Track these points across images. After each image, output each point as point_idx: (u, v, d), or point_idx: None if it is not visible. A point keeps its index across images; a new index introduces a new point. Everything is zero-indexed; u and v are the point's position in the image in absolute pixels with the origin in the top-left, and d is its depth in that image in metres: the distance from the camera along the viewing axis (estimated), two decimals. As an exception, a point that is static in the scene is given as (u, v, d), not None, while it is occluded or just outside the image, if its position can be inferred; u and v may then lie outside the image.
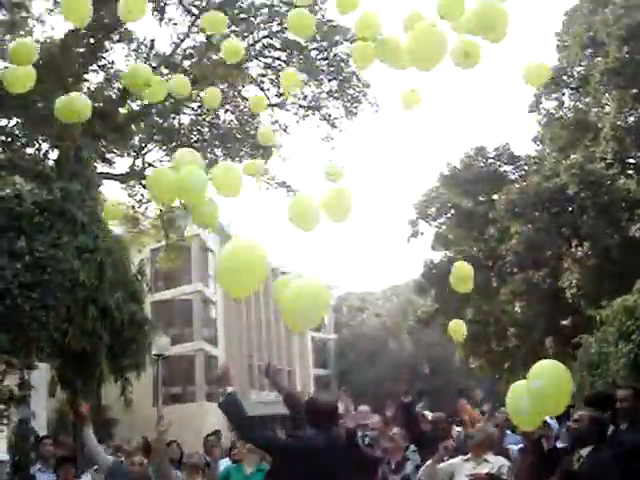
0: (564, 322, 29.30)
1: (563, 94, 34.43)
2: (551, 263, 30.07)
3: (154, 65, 20.61)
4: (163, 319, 35.32)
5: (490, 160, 39.10)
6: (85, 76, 21.50)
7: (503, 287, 32.57)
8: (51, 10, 20.48)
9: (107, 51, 21.78)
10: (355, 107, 24.42)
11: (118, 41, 21.95)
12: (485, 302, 34.32)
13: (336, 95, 24.50)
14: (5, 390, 13.05)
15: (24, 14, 19.18)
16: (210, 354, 40.77)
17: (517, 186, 32.96)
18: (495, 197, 35.95)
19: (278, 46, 23.76)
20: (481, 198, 38.04)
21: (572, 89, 33.85)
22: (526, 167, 37.32)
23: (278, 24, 23.23)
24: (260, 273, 5.16)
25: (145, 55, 22.39)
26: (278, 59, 24.10)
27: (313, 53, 23.89)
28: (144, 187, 24.65)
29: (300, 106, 24.68)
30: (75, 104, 7.29)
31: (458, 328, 9.14)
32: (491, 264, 34.17)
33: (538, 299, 30.26)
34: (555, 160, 32.07)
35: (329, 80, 24.29)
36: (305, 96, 24.59)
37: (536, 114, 34.89)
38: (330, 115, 24.84)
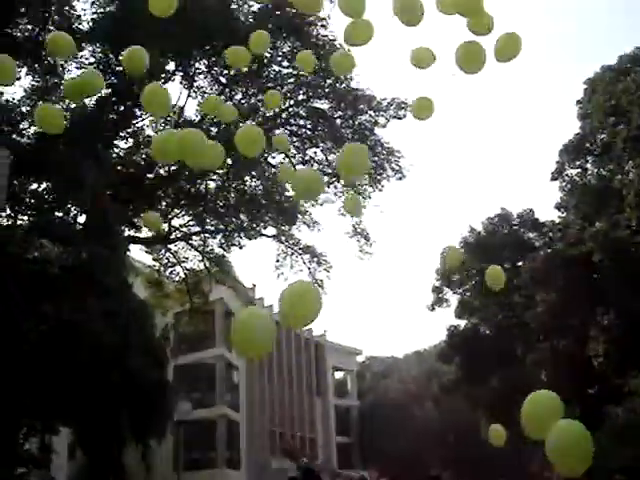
0: (590, 391, 28.83)
1: (586, 161, 34.52)
2: (577, 331, 29.73)
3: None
4: (186, 383, 35.15)
5: (514, 226, 39.14)
6: (115, 142, 21.97)
7: (529, 354, 32.20)
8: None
9: (136, 118, 22.25)
10: (379, 174, 24.58)
11: (148, 108, 22.40)
12: (510, 370, 33.90)
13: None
14: (26, 453, 13.05)
15: (56, 80, 19.66)
16: (232, 419, 40.35)
17: (542, 253, 32.87)
18: (520, 264, 35.84)
19: (304, 114, 24.14)
20: (506, 265, 37.92)
21: (595, 156, 33.94)
22: (550, 234, 37.24)
23: (304, 93, 23.67)
24: (267, 334, 4.91)
25: (174, 122, 22.82)
26: (304, 127, 24.46)
27: (338, 121, 24.22)
28: (169, 251, 24.95)
29: (325, 173, 24.90)
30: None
31: (499, 434, 8.91)
32: (516, 331, 33.83)
33: (564, 367, 29.85)
34: (579, 227, 32.01)
35: (353, 148, 24.51)
36: (330, 163, 24.84)
37: (559, 181, 34.99)
38: (355, 182, 24.99)
